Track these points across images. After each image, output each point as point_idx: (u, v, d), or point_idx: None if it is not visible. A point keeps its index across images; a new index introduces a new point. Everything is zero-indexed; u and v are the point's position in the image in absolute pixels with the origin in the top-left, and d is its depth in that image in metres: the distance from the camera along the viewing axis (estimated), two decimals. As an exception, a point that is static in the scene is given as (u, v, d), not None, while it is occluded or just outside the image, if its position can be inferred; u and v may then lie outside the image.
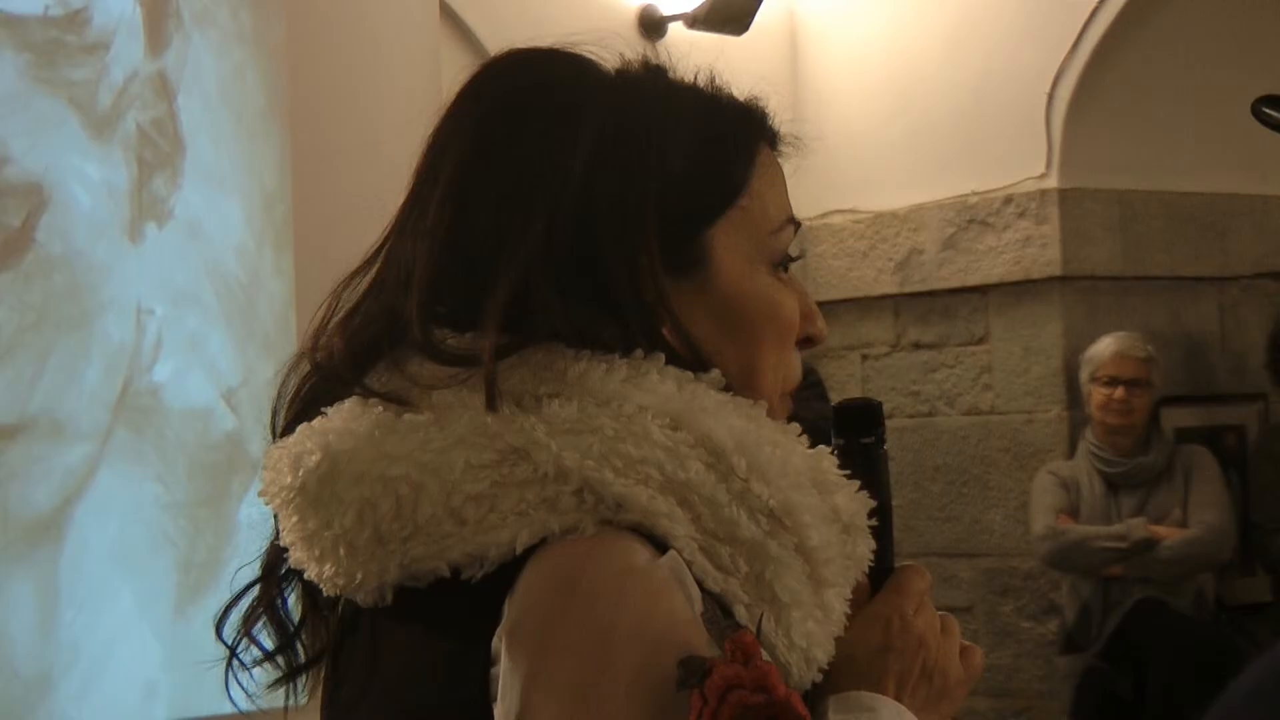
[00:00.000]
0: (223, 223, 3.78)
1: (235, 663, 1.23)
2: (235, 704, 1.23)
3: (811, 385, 4.55)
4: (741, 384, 1.17)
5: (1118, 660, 4.88)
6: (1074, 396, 5.41)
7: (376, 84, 4.12)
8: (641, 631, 1.01)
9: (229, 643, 1.22)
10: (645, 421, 1.08)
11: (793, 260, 1.22)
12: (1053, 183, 5.49)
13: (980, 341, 5.69)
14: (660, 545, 1.06)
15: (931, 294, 5.76)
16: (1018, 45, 5.50)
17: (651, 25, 5.74)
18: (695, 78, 1.22)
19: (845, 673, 1.14)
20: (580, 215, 1.12)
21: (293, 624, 1.22)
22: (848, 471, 1.17)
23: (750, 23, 5.71)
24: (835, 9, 5.94)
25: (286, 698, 1.23)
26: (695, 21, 5.68)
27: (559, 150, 1.14)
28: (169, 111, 3.96)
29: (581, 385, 1.09)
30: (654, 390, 1.10)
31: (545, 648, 1.02)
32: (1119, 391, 4.99)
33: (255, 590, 1.22)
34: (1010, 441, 5.62)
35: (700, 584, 1.06)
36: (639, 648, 1.01)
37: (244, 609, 1.22)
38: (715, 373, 1.14)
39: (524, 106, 1.17)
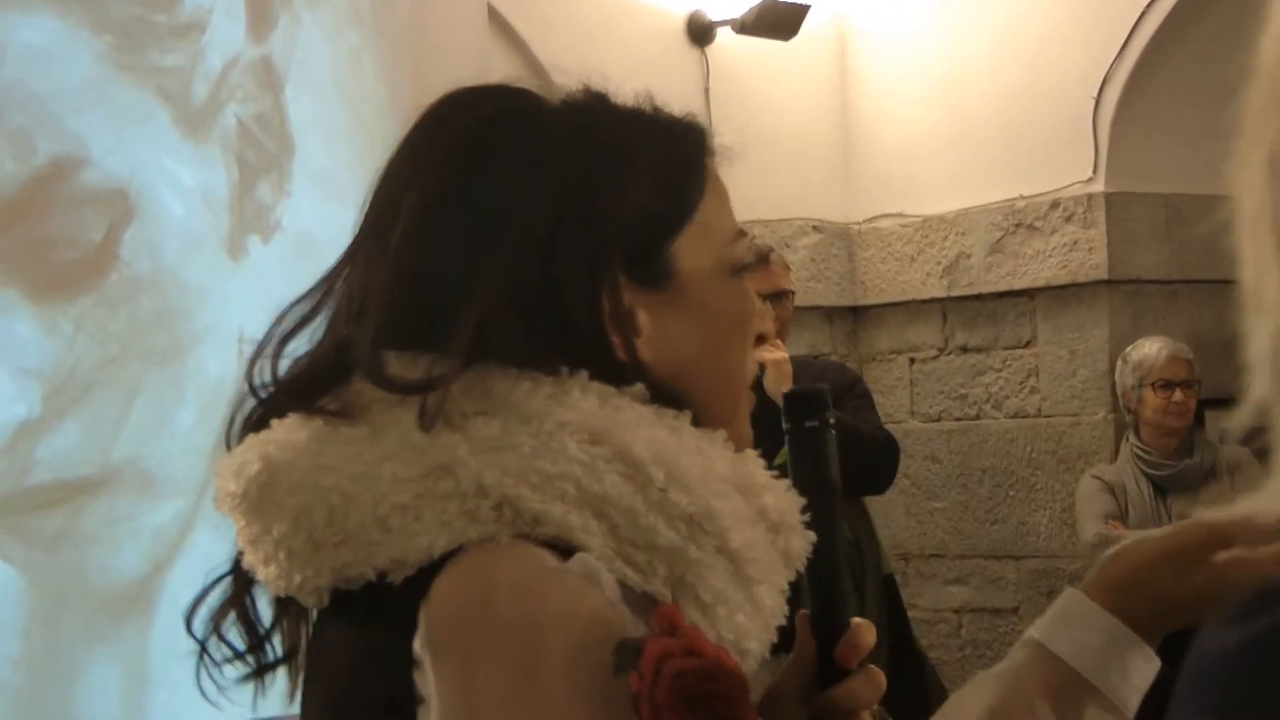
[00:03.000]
0: (337, 235, 3.04)
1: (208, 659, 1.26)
2: (207, 698, 1.26)
3: (860, 395, 4.56)
4: (721, 384, 1.25)
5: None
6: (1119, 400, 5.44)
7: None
8: (568, 622, 1.05)
9: (199, 638, 1.25)
10: (564, 438, 1.12)
11: (747, 268, 1.29)
12: (1099, 187, 5.52)
13: (1027, 345, 5.72)
14: None
15: (979, 298, 5.79)
16: (1065, 50, 5.54)
17: (699, 31, 5.77)
18: (638, 100, 1.27)
19: None
20: (545, 247, 1.17)
21: (263, 624, 1.25)
22: (796, 454, 1.29)
23: (799, 28, 5.76)
24: (883, 14, 5.98)
25: (255, 694, 1.27)
26: (744, 27, 5.71)
27: (522, 184, 1.19)
28: (275, 105, 3.43)
29: (506, 403, 1.14)
30: (575, 406, 1.14)
31: (474, 652, 1.06)
32: (1178, 394, 5.03)
33: (226, 586, 1.25)
34: (1056, 444, 5.65)
35: (624, 583, 1.11)
36: (569, 638, 1.04)
37: (214, 605, 1.26)
38: (639, 386, 1.19)
39: (485, 142, 1.22)
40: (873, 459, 4.31)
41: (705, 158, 1.27)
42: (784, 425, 1.32)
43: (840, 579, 1.33)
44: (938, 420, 5.95)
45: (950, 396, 5.90)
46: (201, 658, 1.25)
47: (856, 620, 1.32)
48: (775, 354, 4.21)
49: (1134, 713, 1.25)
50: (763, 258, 4.43)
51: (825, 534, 1.26)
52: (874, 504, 4.71)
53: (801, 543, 1.22)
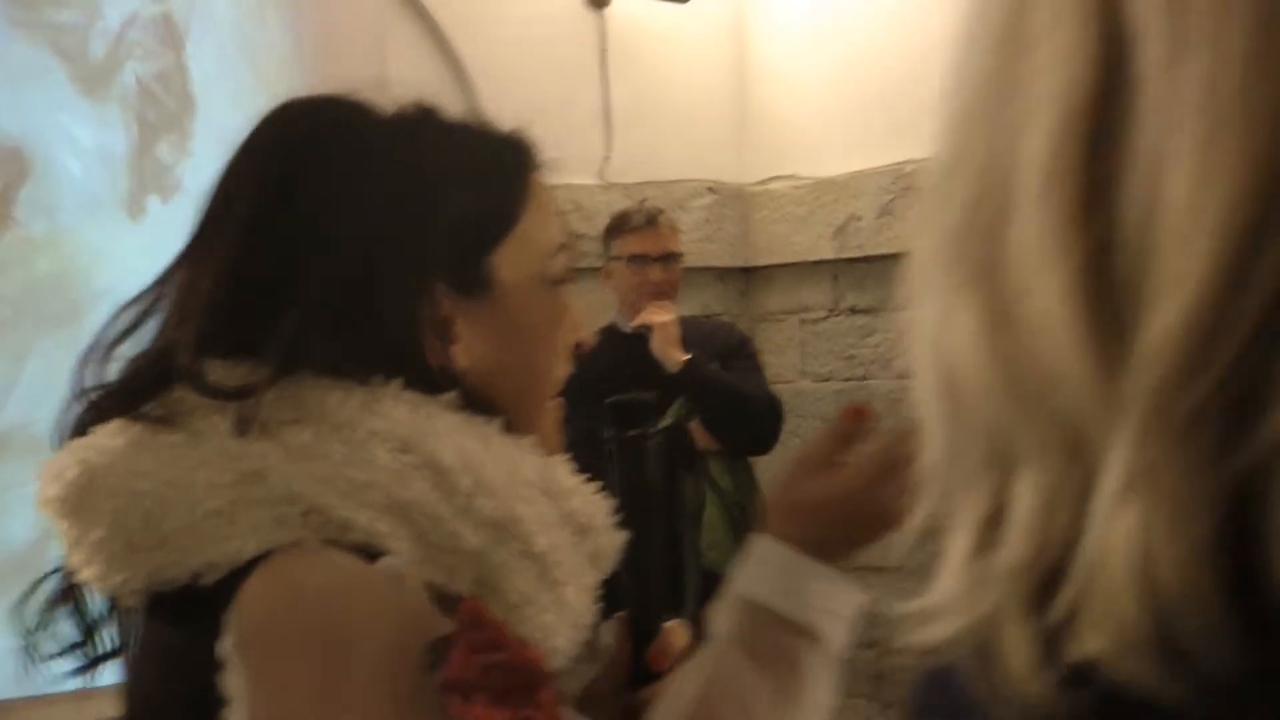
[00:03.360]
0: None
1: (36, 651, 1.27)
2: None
3: (748, 356, 4.62)
4: (527, 391, 1.30)
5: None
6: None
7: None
8: (375, 623, 1.08)
9: (29, 630, 1.27)
10: (374, 447, 1.16)
11: (566, 281, 1.34)
12: (987, 152, 5.62)
13: (915, 306, 5.83)
14: None
15: (868, 260, 5.88)
16: (954, 17, 5.62)
17: (597, -6, 5.79)
18: (465, 116, 1.32)
19: None
20: (365, 257, 1.21)
21: (93, 617, 1.27)
22: (617, 459, 1.37)
23: (694, -9, 5.79)
24: (777, -21, 6.04)
25: (86, 684, 1.29)
26: (640, -10, 5.74)
27: (344, 195, 1.23)
28: (176, 62, 3.36)
29: (318, 412, 1.17)
30: (386, 415, 1.18)
31: (281, 654, 1.08)
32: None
33: (56, 580, 1.27)
34: (943, 404, 5.77)
35: (432, 586, 1.15)
36: (376, 639, 1.08)
37: (45, 598, 1.27)
38: (451, 394, 1.22)
39: (311, 152, 1.26)
40: (755, 421, 4.39)
41: (530, 171, 1.32)
42: (605, 432, 1.39)
43: (654, 584, 1.39)
44: (827, 380, 6.05)
45: (840, 357, 6.00)
46: (29, 649, 1.27)
47: (668, 625, 1.38)
48: (662, 317, 4.27)
49: (838, 638, 1.25)
50: (651, 220, 4.49)
51: (640, 538, 1.31)
52: (766, 463, 4.80)
53: (610, 543, 1.27)
